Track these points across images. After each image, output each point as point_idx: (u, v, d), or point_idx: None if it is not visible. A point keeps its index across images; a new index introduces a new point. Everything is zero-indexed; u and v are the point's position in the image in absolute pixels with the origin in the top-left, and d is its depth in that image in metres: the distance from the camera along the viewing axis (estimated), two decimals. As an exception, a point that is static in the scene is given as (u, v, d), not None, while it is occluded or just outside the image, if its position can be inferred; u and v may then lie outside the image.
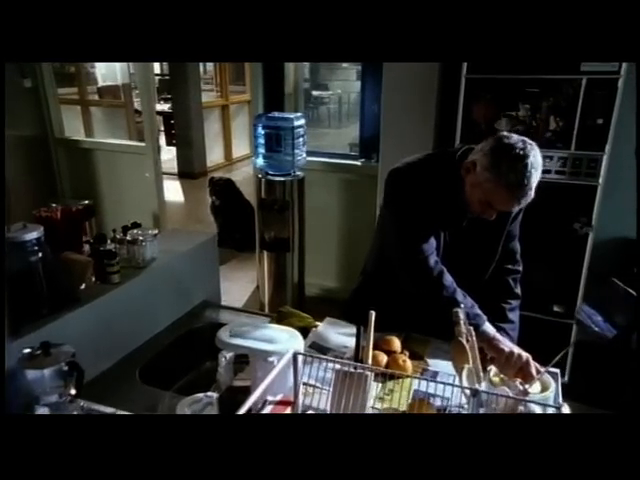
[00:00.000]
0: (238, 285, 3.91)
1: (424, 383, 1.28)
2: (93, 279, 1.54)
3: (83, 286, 1.49)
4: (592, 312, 1.05)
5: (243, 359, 1.35)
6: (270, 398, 1.06)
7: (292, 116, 3.10)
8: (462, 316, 1.22)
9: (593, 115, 2.20)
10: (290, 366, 1.08)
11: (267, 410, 1.03)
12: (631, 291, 0.97)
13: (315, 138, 6.33)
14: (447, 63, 2.44)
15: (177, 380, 1.63)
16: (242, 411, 0.87)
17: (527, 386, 1.07)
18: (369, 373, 1.13)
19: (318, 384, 1.22)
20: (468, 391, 1.01)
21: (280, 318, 1.69)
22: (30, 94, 3.97)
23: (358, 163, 3.43)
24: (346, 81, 7.41)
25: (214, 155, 7.48)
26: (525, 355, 1.30)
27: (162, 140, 7.48)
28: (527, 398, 1.00)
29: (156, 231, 1.73)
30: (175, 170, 7.06)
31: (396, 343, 1.50)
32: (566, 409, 0.86)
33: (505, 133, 1.35)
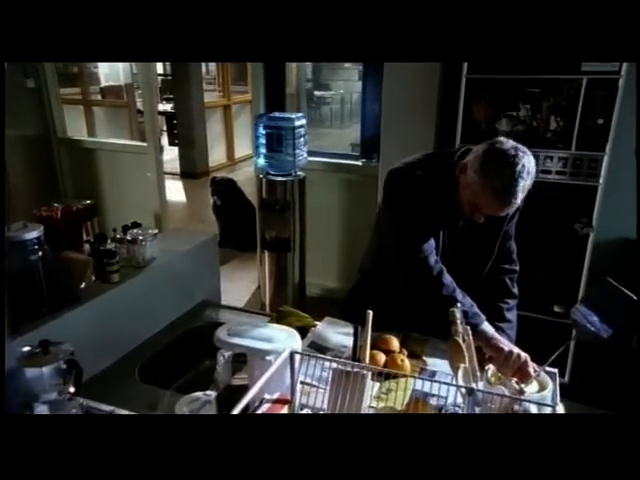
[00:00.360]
0: (239, 285, 3.92)
1: (423, 382, 1.28)
2: (93, 278, 1.55)
3: (83, 285, 1.50)
4: (588, 312, 1.05)
5: (242, 358, 1.35)
6: (267, 396, 1.06)
7: (293, 116, 3.11)
8: (459, 315, 1.22)
9: (594, 115, 2.20)
10: (287, 365, 1.08)
11: (264, 408, 1.03)
12: (626, 291, 0.97)
13: (317, 138, 6.33)
14: (448, 63, 2.44)
15: (177, 379, 1.64)
16: (238, 409, 0.88)
17: (523, 385, 1.07)
18: (366, 372, 1.14)
19: (316, 383, 1.22)
20: (464, 390, 1.01)
21: (279, 317, 1.70)
22: (33, 94, 3.98)
23: (359, 163, 3.44)
24: (348, 81, 7.42)
25: (216, 155, 7.49)
26: (524, 355, 1.31)
27: (165, 140, 7.51)
28: (523, 397, 1.00)
29: (156, 231, 1.74)
30: (177, 170, 7.08)
31: (394, 342, 1.50)
32: (560, 408, 0.86)
33: (501, 138, 1.35)
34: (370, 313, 1.26)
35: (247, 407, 1.04)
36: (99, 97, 5.25)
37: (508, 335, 1.52)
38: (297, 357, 1.08)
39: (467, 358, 1.15)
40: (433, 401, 1.25)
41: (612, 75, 2.12)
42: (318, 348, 1.55)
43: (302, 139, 3.15)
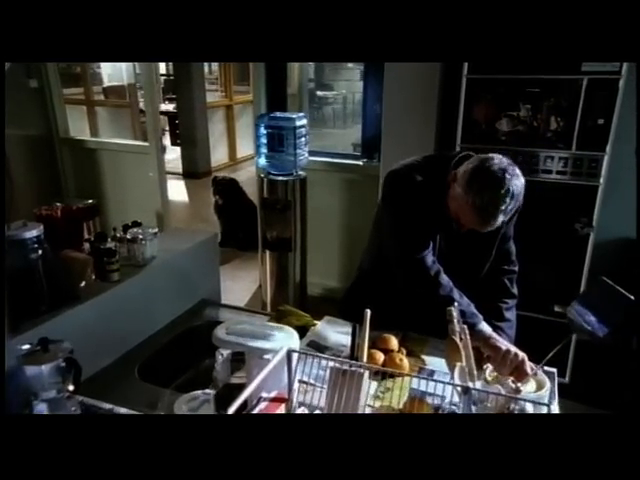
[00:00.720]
0: (240, 284, 3.93)
1: (421, 382, 1.28)
2: (93, 277, 1.56)
3: (83, 284, 1.50)
4: (583, 311, 1.05)
5: (240, 357, 1.35)
6: (265, 395, 1.07)
7: (294, 116, 3.11)
8: (455, 314, 1.23)
9: (594, 115, 2.20)
10: (285, 364, 1.08)
11: (261, 406, 1.04)
12: (622, 290, 0.97)
13: (319, 138, 6.33)
14: (448, 63, 2.44)
15: (176, 378, 1.65)
16: (234, 407, 0.88)
17: (519, 384, 1.07)
18: (364, 371, 1.14)
19: (315, 382, 1.23)
20: (460, 389, 1.02)
21: (279, 317, 1.70)
22: (36, 94, 4.00)
23: (360, 163, 3.44)
24: (351, 81, 7.40)
25: (218, 155, 7.50)
26: (521, 354, 1.31)
27: (167, 140, 7.53)
28: (518, 396, 1.00)
29: (156, 230, 1.75)
30: (180, 170, 7.09)
31: (393, 342, 1.51)
32: (555, 407, 0.86)
33: (495, 156, 1.33)
34: (368, 312, 1.26)
35: (245, 405, 1.04)
36: (102, 97, 5.27)
37: (507, 334, 1.52)
38: (294, 356, 1.09)
39: (464, 357, 1.15)
40: (431, 400, 1.25)
41: (612, 75, 2.12)
42: (317, 347, 1.56)
43: (303, 139, 3.16)
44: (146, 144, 3.82)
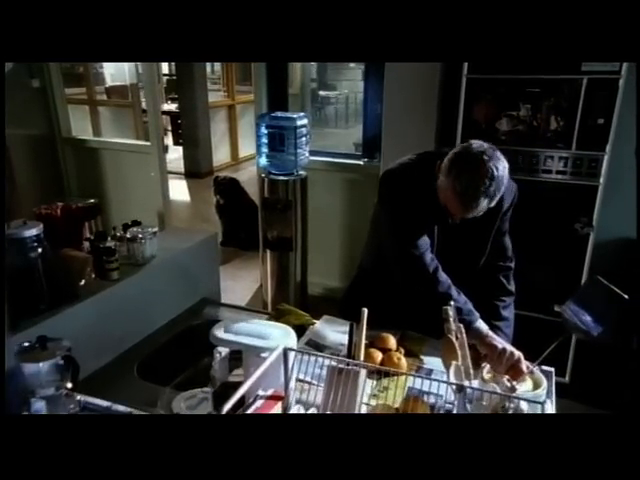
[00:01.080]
0: (241, 284, 3.94)
1: (418, 380, 1.29)
2: (93, 276, 1.56)
3: (83, 282, 1.51)
4: (577, 309, 1.06)
5: (239, 355, 1.36)
6: (261, 393, 1.07)
7: (295, 116, 3.12)
8: (451, 313, 1.23)
9: (594, 115, 2.19)
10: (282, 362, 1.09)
11: (258, 404, 1.04)
12: (616, 289, 0.97)
13: (322, 138, 6.33)
14: (448, 63, 2.44)
15: (175, 376, 1.65)
16: (229, 405, 0.89)
17: (515, 383, 1.07)
18: (361, 369, 1.15)
19: (312, 380, 1.23)
20: (455, 387, 1.02)
21: (278, 315, 1.71)
22: (38, 94, 4.01)
23: (361, 162, 3.44)
24: (353, 81, 7.41)
25: (220, 155, 7.51)
26: (517, 353, 1.31)
27: (169, 140, 7.54)
28: (514, 395, 1.00)
29: (155, 229, 1.75)
30: (182, 170, 7.10)
31: (391, 341, 1.51)
32: (549, 406, 0.87)
33: (475, 141, 1.33)
34: (365, 311, 1.27)
35: (242, 403, 1.05)
36: (105, 97, 5.29)
37: (505, 333, 1.52)
38: (291, 354, 1.09)
39: (460, 356, 1.15)
40: (428, 399, 1.26)
41: (612, 75, 2.11)
42: (316, 346, 1.56)
43: (304, 139, 3.16)
44: (148, 144, 3.83)
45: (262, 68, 3.51)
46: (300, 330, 1.62)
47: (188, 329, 1.79)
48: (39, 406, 1.12)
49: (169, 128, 7.73)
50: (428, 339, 1.59)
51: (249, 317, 1.86)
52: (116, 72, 5.59)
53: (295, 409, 1.10)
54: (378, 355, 1.44)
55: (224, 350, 1.37)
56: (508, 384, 1.04)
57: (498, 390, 1.03)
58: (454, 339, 1.18)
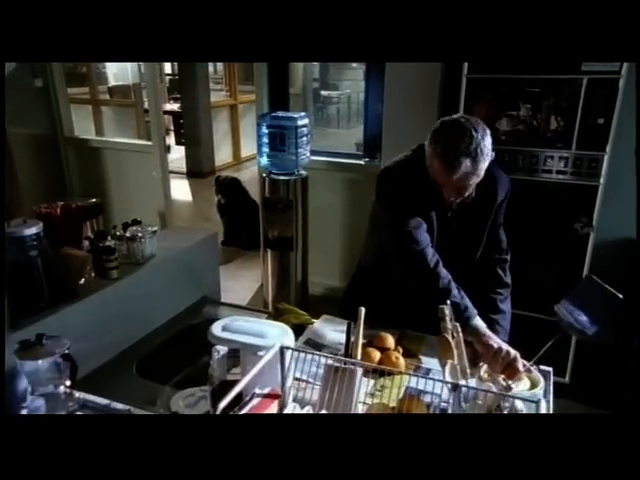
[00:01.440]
0: (242, 283, 3.95)
1: (416, 379, 1.29)
2: (93, 275, 1.57)
3: (82, 281, 1.52)
4: (572, 308, 1.06)
5: (237, 354, 1.37)
6: (258, 391, 1.08)
7: (296, 115, 3.12)
8: (448, 312, 1.23)
9: (594, 115, 2.19)
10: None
11: (254, 402, 1.05)
12: (610, 289, 0.98)
13: (324, 138, 6.33)
14: (448, 63, 2.44)
15: (175, 375, 1.66)
16: (225, 402, 0.89)
17: (511, 382, 1.08)
18: (358, 368, 1.15)
19: (310, 379, 1.24)
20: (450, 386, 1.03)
21: (277, 315, 1.71)
22: (41, 94, 4.03)
23: (361, 162, 3.45)
24: (355, 81, 7.42)
25: (222, 154, 7.52)
26: (513, 352, 1.32)
27: (172, 139, 7.55)
28: (508, 394, 1.01)
29: (155, 228, 1.76)
30: (184, 169, 7.12)
31: (390, 340, 1.52)
32: (543, 405, 0.87)
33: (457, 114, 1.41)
34: (362, 310, 1.27)
35: (239, 400, 1.06)
36: (107, 97, 5.30)
37: (502, 326, 1.54)
38: (287, 352, 1.10)
39: (456, 355, 1.16)
40: (426, 398, 1.26)
41: (612, 75, 2.11)
42: (314, 345, 1.57)
43: (305, 138, 3.16)
44: (150, 143, 3.84)
45: (263, 68, 3.52)
46: (299, 329, 1.63)
47: (187, 328, 1.79)
48: (38, 404, 1.13)
49: (171, 128, 7.75)
50: (427, 339, 1.59)
51: (247, 316, 1.87)
52: (119, 72, 5.60)
53: (291, 407, 1.10)
54: (376, 354, 1.45)
55: (222, 349, 1.37)
56: (504, 383, 1.05)
57: (494, 389, 1.03)
58: (450, 338, 1.19)
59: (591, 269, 2.35)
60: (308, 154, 3.25)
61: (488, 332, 1.40)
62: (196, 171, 7.00)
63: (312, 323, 1.70)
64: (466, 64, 2.32)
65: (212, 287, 2.08)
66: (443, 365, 1.15)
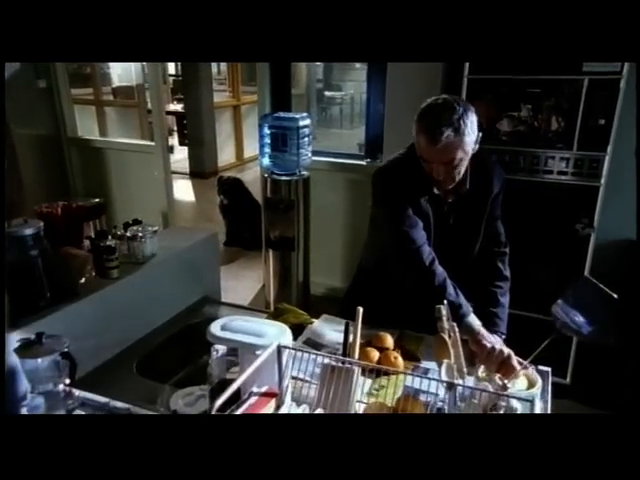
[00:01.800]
0: (244, 283, 3.95)
1: (415, 379, 1.29)
2: (93, 274, 1.58)
3: (83, 280, 1.53)
4: (568, 308, 1.07)
5: (236, 353, 1.37)
6: (255, 390, 1.08)
7: (297, 116, 3.13)
8: (444, 312, 1.24)
9: (595, 116, 2.20)
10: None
11: (251, 400, 1.06)
12: (605, 289, 0.98)
13: (327, 138, 6.34)
14: (449, 64, 2.45)
15: (175, 374, 1.67)
16: (221, 400, 0.90)
17: (507, 381, 1.08)
18: (355, 368, 1.15)
19: (308, 378, 1.24)
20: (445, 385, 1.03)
21: (276, 314, 1.72)
22: (45, 94, 4.05)
23: (363, 163, 3.45)
24: (358, 82, 7.42)
25: (225, 155, 7.54)
26: (507, 350, 1.32)
27: (175, 140, 7.58)
28: (503, 393, 1.01)
29: (156, 228, 1.77)
30: (187, 170, 7.14)
31: (389, 340, 1.52)
32: (538, 404, 0.87)
33: None
34: (360, 309, 1.27)
35: (237, 399, 1.06)
36: (111, 97, 5.32)
37: (502, 320, 1.55)
38: (285, 352, 1.10)
39: (453, 355, 1.16)
40: (423, 398, 1.26)
41: (613, 76, 2.11)
42: (314, 345, 1.57)
43: (306, 139, 3.17)
44: (152, 144, 3.86)
45: (266, 69, 3.52)
46: (299, 329, 1.63)
47: (187, 327, 1.80)
48: (38, 402, 1.13)
49: (175, 128, 7.78)
50: (426, 339, 1.59)
51: (246, 315, 1.88)
52: (123, 72, 5.62)
53: (287, 405, 1.11)
54: (375, 354, 1.45)
55: (221, 348, 1.38)
56: (500, 382, 1.05)
57: (490, 388, 1.04)
58: (447, 337, 1.19)
59: (592, 270, 2.35)
60: (310, 155, 3.26)
61: (482, 331, 1.40)
62: (199, 171, 7.01)
63: (311, 323, 1.71)
64: (467, 65, 2.32)
65: (212, 287, 2.08)
66: (439, 364, 1.15)
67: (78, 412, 1.21)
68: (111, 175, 4.19)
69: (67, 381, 1.18)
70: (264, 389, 1.10)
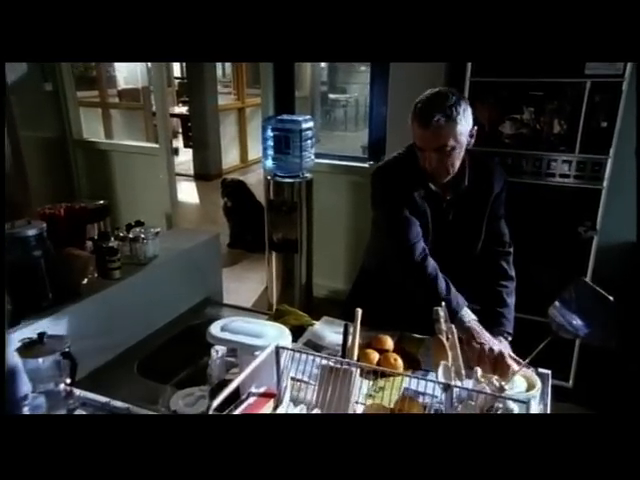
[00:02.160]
0: (248, 285, 3.96)
1: (414, 381, 1.29)
2: (95, 275, 1.59)
3: (85, 281, 1.54)
4: (564, 310, 1.07)
5: (237, 353, 1.38)
6: (254, 390, 1.09)
7: (300, 118, 3.14)
8: (442, 314, 1.24)
9: (597, 118, 2.19)
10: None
11: (250, 401, 1.06)
12: (601, 291, 0.98)
13: (331, 141, 6.34)
14: (452, 66, 2.45)
15: (176, 375, 1.68)
16: (219, 400, 0.91)
17: (504, 383, 1.08)
18: (354, 369, 1.16)
19: (307, 379, 1.24)
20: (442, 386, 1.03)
21: (277, 316, 1.72)
22: (51, 97, 4.08)
23: (366, 165, 3.46)
24: (363, 84, 7.42)
25: (230, 157, 7.56)
26: (497, 348, 1.32)
27: (180, 142, 7.60)
28: (500, 394, 1.01)
29: (158, 229, 1.78)
30: (191, 172, 7.16)
31: (389, 342, 1.52)
32: (534, 406, 0.87)
33: None
34: (359, 311, 1.28)
35: (236, 399, 1.07)
36: (117, 100, 5.35)
37: (509, 320, 1.55)
38: (283, 353, 1.11)
39: (450, 356, 1.16)
40: (422, 399, 1.26)
41: (616, 78, 2.11)
42: (314, 346, 1.57)
43: (309, 141, 3.18)
44: (157, 146, 3.88)
45: (269, 71, 3.54)
46: (299, 330, 1.64)
47: (189, 328, 1.81)
48: (39, 401, 1.15)
49: (180, 130, 7.81)
50: (426, 341, 1.59)
51: (247, 317, 1.89)
52: (129, 75, 5.65)
53: (285, 406, 1.12)
54: (375, 356, 1.45)
55: (221, 349, 1.39)
56: (497, 384, 1.05)
57: (488, 390, 1.04)
58: (444, 339, 1.19)
59: (594, 273, 2.34)
60: (313, 157, 3.27)
61: (475, 329, 1.41)
62: (203, 174, 7.04)
63: (312, 324, 1.71)
64: (469, 68, 2.32)
65: (214, 288, 2.09)
66: (437, 366, 1.16)
67: (79, 412, 1.22)
68: (116, 177, 4.22)
69: (68, 381, 1.19)
70: (262, 389, 1.10)
